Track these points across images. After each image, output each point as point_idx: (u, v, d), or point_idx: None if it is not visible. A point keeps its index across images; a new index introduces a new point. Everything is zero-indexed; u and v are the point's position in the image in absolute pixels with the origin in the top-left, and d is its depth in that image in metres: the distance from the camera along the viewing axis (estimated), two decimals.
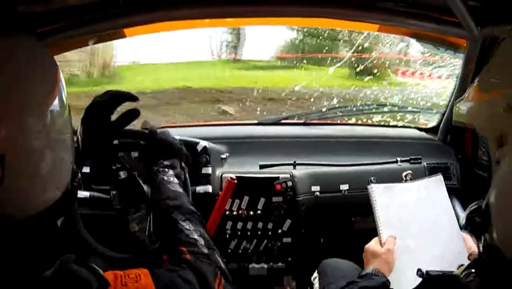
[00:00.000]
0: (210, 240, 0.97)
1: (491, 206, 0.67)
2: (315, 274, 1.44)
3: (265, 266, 1.67)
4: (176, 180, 1.15)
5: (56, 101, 0.73)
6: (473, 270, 0.72)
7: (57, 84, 0.75)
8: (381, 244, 1.23)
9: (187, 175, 1.54)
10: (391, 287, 1.10)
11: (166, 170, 1.16)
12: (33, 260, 0.68)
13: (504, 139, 0.65)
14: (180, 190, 1.13)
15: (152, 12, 1.17)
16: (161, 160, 1.18)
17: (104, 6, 1.12)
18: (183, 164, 1.28)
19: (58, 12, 1.02)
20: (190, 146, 1.69)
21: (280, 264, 1.67)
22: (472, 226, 0.75)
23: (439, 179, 1.34)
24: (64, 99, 0.76)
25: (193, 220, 1.01)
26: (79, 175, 0.80)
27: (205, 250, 0.93)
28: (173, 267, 0.85)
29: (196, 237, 0.95)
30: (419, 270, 1.01)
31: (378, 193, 1.30)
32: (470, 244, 1.18)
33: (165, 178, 1.13)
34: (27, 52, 0.73)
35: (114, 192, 1.56)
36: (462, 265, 0.77)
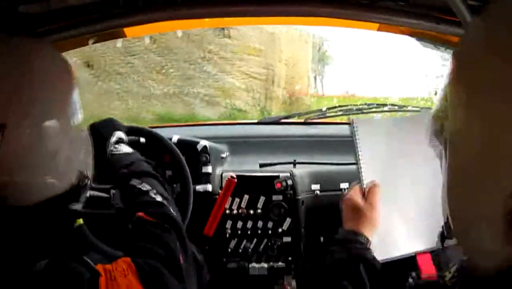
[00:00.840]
0: (166, 194, 0.99)
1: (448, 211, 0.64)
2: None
3: (265, 265, 1.67)
4: (129, 149, 1.20)
5: (72, 102, 0.77)
6: (460, 275, 0.71)
7: (72, 85, 0.78)
8: (364, 194, 1.06)
9: (189, 175, 1.54)
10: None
11: (117, 146, 1.21)
12: (26, 251, 0.69)
13: (442, 129, 0.62)
14: (135, 155, 1.17)
15: (152, 12, 1.17)
16: (109, 140, 1.23)
17: (104, 5, 1.12)
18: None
19: (58, 11, 1.02)
20: (190, 145, 1.69)
21: (280, 263, 1.68)
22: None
23: (425, 114, 1.17)
24: (78, 99, 0.79)
25: (149, 180, 1.02)
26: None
27: (160, 209, 0.94)
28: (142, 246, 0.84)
29: (152, 195, 0.97)
30: (413, 276, 0.99)
31: (361, 127, 1.14)
32: None
33: (119, 152, 1.18)
34: (42, 55, 0.76)
35: (114, 191, 1.56)
36: (453, 264, 0.75)
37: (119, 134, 1.25)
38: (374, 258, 0.94)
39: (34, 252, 0.70)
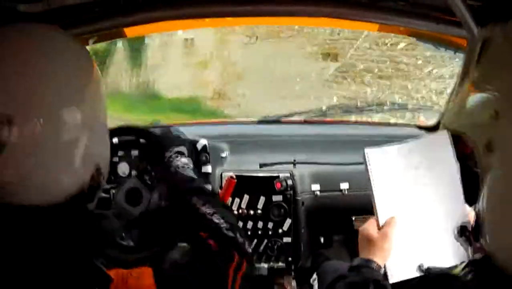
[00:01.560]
0: (233, 222, 0.95)
1: (482, 215, 0.66)
2: (315, 276, 1.44)
3: (265, 265, 1.67)
4: (190, 165, 1.14)
5: (92, 91, 0.74)
6: (471, 269, 0.71)
7: (93, 75, 0.76)
8: (378, 226, 1.08)
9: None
10: (388, 275, 1.00)
11: (178, 156, 1.15)
12: (39, 252, 0.68)
13: (491, 146, 0.63)
14: (195, 175, 1.11)
15: (152, 12, 1.16)
16: (172, 147, 1.17)
17: (104, 5, 1.12)
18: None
19: (58, 11, 1.02)
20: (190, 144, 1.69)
21: (280, 263, 1.68)
22: (464, 234, 0.74)
23: (444, 136, 1.12)
24: (99, 88, 0.77)
25: (213, 202, 0.98)
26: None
27: (230, 233, 0.91)
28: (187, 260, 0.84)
29: (217, 220, 0.94)
30: (419, 266, 0.98)
31: (375, 158, 1.12)
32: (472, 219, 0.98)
33: (180, 164, 1.12)
34: (59, 43, 0.73)
35: (114, 191, 1.56)
36: (462, 262, 0.76)
37: (183, 149, 1.22)
38: (384, 279, 1.00)
39: (47, 253, 0.69)
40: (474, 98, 0.66)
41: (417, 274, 0.98)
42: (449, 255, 0.99)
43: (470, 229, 0.71)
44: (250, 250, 0.95)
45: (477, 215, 0.66)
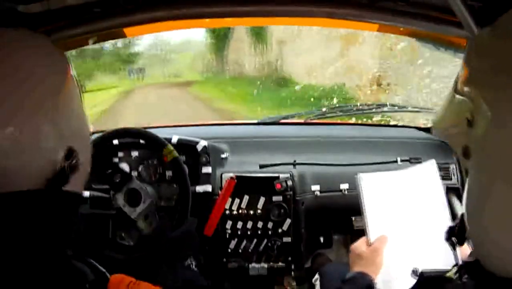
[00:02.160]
0: None
1: (465, 219, 0.67)
2: (317, 276, 1.45)
3: (265, 265, 1.67)
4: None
5: (68, 93, 0.73)
6: (465, 271, 0.71)
7: (68, 77, 0.75)
8: (368, 244, 1.17)
9: (187, 176, 1.54)
10: (378, 288, 1.07)
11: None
12: (30, 241, 0.66)
13: (468, 153, 0.63)
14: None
15: (152, 12, 1.16)
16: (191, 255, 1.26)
17: (104, 5, 1.12)
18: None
19: (58, 11, 1.02)
20: (190, 145, 1.69)
21: (280, 263, 1.68)
22: (450, 238, 0.75)
23: (431, 164, 1.26)
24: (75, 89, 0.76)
25: None
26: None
27: None
28: None
29: None
30: (413, 270, 0.99)
31: (367, 183, 1.22)
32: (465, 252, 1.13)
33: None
34: (31, 46, 0.72)
35: (113, 191, 1.56)
36: (456, 265, 0.76)
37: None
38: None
39: (32, 242, 0.67)
40: (454, 101, 0.66)
41: (405, 282, 1.01)
42: (438, 266, 1.03)
43: (455, 233, 0.72)
44: None
45: (461, 220, 0.67)
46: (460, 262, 0.76)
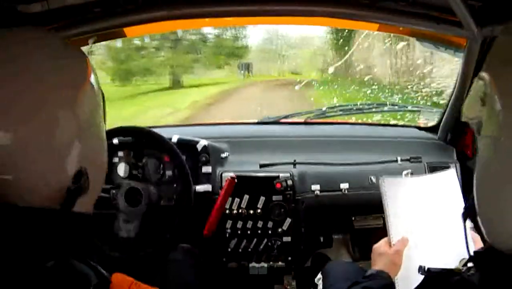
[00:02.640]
0: None
1: (475, 200, 0.69)
2: (319, 276, 1.45)
3: (265, 265, 1.67)
4: None
5: (86, 93, 0.72)
6: (472, 264, 0.73)
7: (87, 76, 0.74)
8: (390, 244, 1.20)
9: (189, 173, 1.54)
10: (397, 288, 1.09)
11: None
12: (35, 251, 0.67)
13: (479, 130, 0.67)
14: None
15: (152, 11, 1.17)
16: None
17: (103, 5, 1.12)
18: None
19: (58, 11, 1.02)
20: (190, 145, 1.69)
21: (280, 263, 1.68)
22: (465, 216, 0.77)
23: (452, 173, 1.30)
24: (95, 89, 0.75)
25: None
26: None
27: None
28: None
29: None
30: (420, 267, 1.00)
31: (389, 186, 1.25)
32: (479, 245, 1.15)
33: None
34: (49, 45, 0.72)
35: (114, 191, 1.56)
36: (463, 259, 0.77)
37: None
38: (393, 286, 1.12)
39: (41, 251, 0.67)
40: (472, 87, 0.70)
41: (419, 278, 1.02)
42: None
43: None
44: None
45: (472, 203, 0.70)
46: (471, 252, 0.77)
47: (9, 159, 0.65)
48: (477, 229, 0.73)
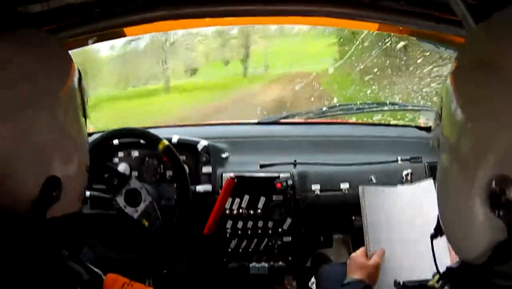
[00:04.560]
0: None
1: (440, 217, 0.70)
2: (313, 280, 1.45)
3: (266, 265, 1.67)
4: None
5: (69, 95, 0.72)
6: (446, 279, 0.72)
7: (69, 78, 0.73)
8: (367, 255, 1.21)
9: (186, 173, 1.55)
10: None
11: None
12: (26, 253, 0.66)
13: (438, 142, 0.67)
14: None
15: (152, 11, 1.16)
16: None
17: (104, 5, 1.12)
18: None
19: (58, 11, 1.02)
20: (191, 145, 1.69)
21: (280, 263, 1.68)
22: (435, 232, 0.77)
23: (429, 183, 1.31)
24: (78, 92, 0.74)
25: None
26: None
27: None
28: None
29: None
30: (395, 281, 1.01)
31: (369, 195, 1.28)
32: (454, 255, 1.15)
33: None
34: (36, 46, 0.71)
35: (112, 194, 1.57)
36: (437, 273, 0.77)
37: None
38: None
39: (33, 254, 0.66)
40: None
41: None
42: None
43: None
44: None
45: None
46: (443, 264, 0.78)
47: None
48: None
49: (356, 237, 1.92)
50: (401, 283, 0.89)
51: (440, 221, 0.68)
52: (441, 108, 0.64)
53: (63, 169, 0.71)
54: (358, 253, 1.24)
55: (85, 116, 0.78)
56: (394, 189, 1.34)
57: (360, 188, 1.29)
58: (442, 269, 0.77)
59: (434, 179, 1.39)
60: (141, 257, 1.52)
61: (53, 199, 0.69)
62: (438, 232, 0.75)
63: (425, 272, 1.14)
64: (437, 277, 0.74)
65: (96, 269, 0.72)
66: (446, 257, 1.13)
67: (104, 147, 1.63)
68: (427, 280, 0.77)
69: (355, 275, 1.18)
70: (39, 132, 0.67)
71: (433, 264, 1.15)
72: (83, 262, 0.71)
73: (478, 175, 0.55)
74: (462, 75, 0.62)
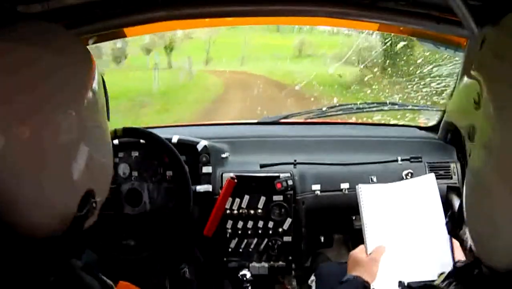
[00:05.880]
0: None
1: (463, 207, 0.65)
2: (313, 277, 1.45)
3: (266, 265, 1.67)
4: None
5: (91, 93, 0.67)
6: (453, 278, 0.70)
7: (92, 76, 0.69)
8: (366, 252, 1.22)
9: (187, 174, 1.54)
10: None
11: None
12: (37, 266, 0.63)
13: (472, 136, 0.62)
14: None
15: (152, 12, 1.16)
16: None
17: (103, 5, 1.12)
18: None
19: (58, 11, 1.02)
20: (191, 145, 1.69)
21: (280, 263, 1.68)
22: (451, 224, 0.74)
23: (430, 177, 1.30)
24: (98, 90, 0.69)
25: None
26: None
27: None
28: None
29: None
30: (400, 282, 1.01)
31: (366, 194, 1.27)
32: (459, 253, 1.13)
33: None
34: (59, 41, 0.67)
35: (114, 192, 1.56)
36: (443, 273, 0.75)
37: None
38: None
39: (44, 266, 0.63)
40: (462, 84, 0.65)
41: None
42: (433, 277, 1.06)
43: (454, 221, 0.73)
44: None
45: (459, 211, 0.67)
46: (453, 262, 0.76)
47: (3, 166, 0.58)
48: (459, 239, 0.71)
49: (356, 237, 1.92)
50: (406, 284, 0.88)
51: (466, 218, 0.64)
52: (479, 96, 0.60)
53: (98, 180, 0.69)
54: (358, 250, 1.24)
55: (108, 118, 0.75)
56: (392, 184, 1.33)
57: (357, 187, 1.29)
58: (445, 268, 0.76)
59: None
60: (141, 258, 1.52)
61: (88, 213, 0.66)
62: (453, 222, 0.71)
63: (425, 268, 1.15)
64: (442, 277, 0.72)
65: (109, 281, 0.70)
66: (448, 256, 1.13)
67: None
68: (432, 280, 0.75)
69: (353, 271, 1.18)
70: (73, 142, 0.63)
71: (433, 260, 1.16)
72: (95, 273, 0.69)
73: None
74: (491, 70, 0.59)
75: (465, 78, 0.64)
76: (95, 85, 0.69)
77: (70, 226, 0.64)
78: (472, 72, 0.63)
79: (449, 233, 0.76)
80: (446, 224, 0.75)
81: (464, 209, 0.65)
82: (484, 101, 0.58)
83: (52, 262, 0.64)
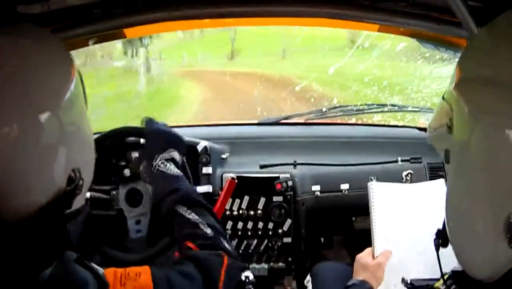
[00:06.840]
0: (218, 226, 0.96)
1: (446, 226, 0.68)
2: (308, 278, 1.45)
3: (266, 266, 1.67)
4: (178, 172, 1.13)
5: (69, 95, 0.71)
6: (452, 281, 0.72)
7: (71, 77, 0.73)
8: (373, 256, 1.21)
9: (187, 167, 1.54)
10: None
11: (167, 163, 1.13)
12: (31, 259, 0.65)
13: (447, 158, 0.64)
14: (184, 181, 1.11)
15: (152, 12, 1.16)
16: (160, 154, 1.15)
17: (103, 6, 1.12)
18: (183, 158, 1.26)
19: (58, 12, 1.02)
20: (191, 146, 1.69)
21: (280, 264, 1.68)
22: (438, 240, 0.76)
23: (441, 182, 1.30)
24: (78, 92, 0.74)
25: (198, 210, 0.99)
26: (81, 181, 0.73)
27: (210, 241, 0.92)
28: (176, 263, 0.84)
29: (202, 227, 0.94)
30: (403, 279, 1.01)
31: (378, 193, 1.26)
32: None
33: (167, 171, 1.11)
34: (36, 44, 0.71)
35: (114, 192, 1.56)
36: (445, 274, 0.76)
37: (174, 154, 1.20)
38: None
39: (38, 259, 0.66)
40: (440, 106, 0.67)
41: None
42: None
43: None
44: (230, 248, 0.95)
45: (443, 227, 0.69)
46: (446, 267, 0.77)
47: None
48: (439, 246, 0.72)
49: (356, 238, 1.92)
50: (409, 282, 0.88)
51: (448, 233, 0.67)
52: (451, 121, 0.61)
53: (83, 160, 0.74)
54: (364, 253, 1.24)
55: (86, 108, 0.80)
56: (404, 185, 1.33)
57: (369, 184, 1.27)
58: (447, 271, 0.77)
59: (432, 179, 1.40)
60: (142, 258, 1.52)
61: (80, 188, 0.71)
62: (443, 242, 0.73)
63: (433, 272, 1.14)
64: (444, 277, 0.73)
65: (100, 269, 0.71)
66: (454, 259, 1.13)
67: (104, 146, 1.63)
68: (434, 280, 0.76)
69: (359, 275, 1.18)
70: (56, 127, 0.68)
71: (442, 262, 1.15)
72: (91, 267, 0.70)
73: (497, 209, 0.54)
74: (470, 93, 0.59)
75: (441, 102, 0.65)
76: (73, 87, 0.72)
77: (58, 199, 0.68)
78: (449, 93, 0.64)
79: (436, 250, 0.78)
80: (434, 240, 0.77)
81: (446, 226, 0.67)
82: (457, 125, 0.60)
83: (46, 255, 0.66)
